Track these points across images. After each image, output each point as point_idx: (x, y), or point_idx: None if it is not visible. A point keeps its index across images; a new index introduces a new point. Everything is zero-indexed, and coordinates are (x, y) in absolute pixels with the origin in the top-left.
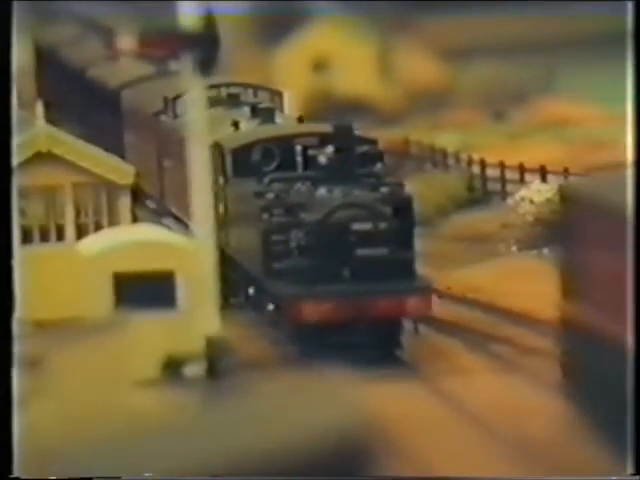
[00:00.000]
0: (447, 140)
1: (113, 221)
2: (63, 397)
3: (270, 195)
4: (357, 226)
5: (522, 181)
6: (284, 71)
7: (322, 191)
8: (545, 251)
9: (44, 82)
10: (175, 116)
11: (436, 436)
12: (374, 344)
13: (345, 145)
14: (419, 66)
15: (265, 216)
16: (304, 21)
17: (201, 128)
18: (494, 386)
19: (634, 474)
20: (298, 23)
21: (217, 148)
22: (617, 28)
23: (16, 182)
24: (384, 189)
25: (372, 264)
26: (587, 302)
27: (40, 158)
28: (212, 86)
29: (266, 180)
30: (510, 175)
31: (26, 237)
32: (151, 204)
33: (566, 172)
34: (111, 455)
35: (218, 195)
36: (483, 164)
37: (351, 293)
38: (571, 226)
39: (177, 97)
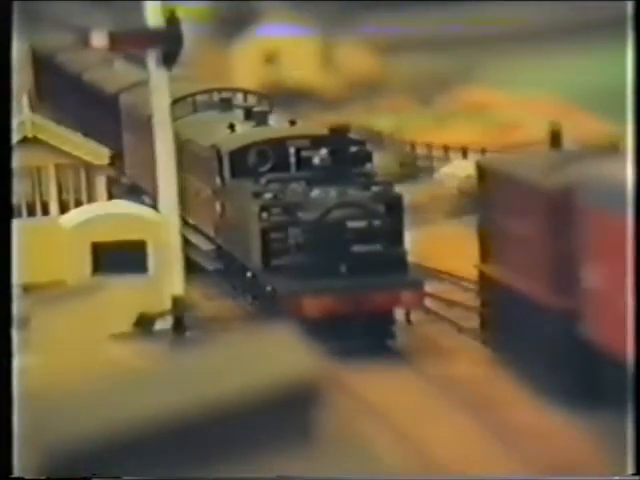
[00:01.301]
0: (382, 123)
1: (91, 198)
2: (48, 350)
3: (268, 195)
4: (352, 224)
5: (447, 159)
6: (239, 65)
7: (317, 191)
8: (467, 219)
9: (43, 84)
10: (174, 119)
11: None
12: (370, 335)
13: (338, 147)
14: (357, 59)
15: (264, 215)
16: (256, 20)
17: (165, 115)
18: (426, 332)
19: (634, 474)
20: (251, 22)
21: (214, 150)
22: (528, 27)
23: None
24: (375, 188)
25: (367, 260)
26: (502, 262)
27: (27, 142)
28: (204, 91)
29: (263, 180)
30: (436, 153)
31: (16, 212)
32: (147, 199)
33: (483, 151)
34: (91, 400)
35: (216, 194)
36: (413, 144)
37: (349, 288)
38: (488, 197)
39: (174, 102)
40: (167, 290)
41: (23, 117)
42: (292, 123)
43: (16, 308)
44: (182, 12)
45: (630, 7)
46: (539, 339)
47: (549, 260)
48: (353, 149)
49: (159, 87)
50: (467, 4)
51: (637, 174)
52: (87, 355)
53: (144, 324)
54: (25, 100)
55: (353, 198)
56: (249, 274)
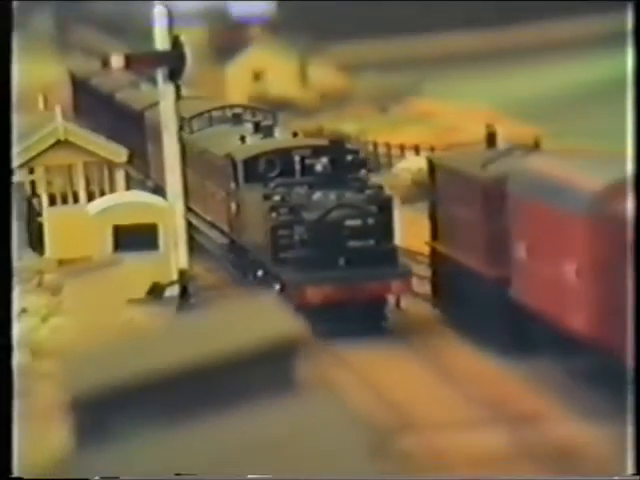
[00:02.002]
0: (349, 128)
1: (112, 189)
2: (77, 313)
3: (276, 197)
4: (349, 222)
5: (402, 156)
6: (232, 80)
7: (318, 194)
8: (420, 205)
9: (80, 103)
10: (191, 132)
11: None
12: (365, 318)
13: (337, 155)
14: (327, 76)
15: (273, 215)
16: (246, 45)
17: (172, 121)
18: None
19: (634, 474)
20: (242, 46)
21: (229, 159)
22: (466, 51)
23: (43, 162)
24: (369, 191)
25: (362, 254)
26: (448, 239)
27: (60, 145)
28: (218, 108)
29: (272, 185)
30: (394, 152)
31: (52, 201)
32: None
33: (432, 149)
34: (111, 351)
35: (231, 196)
36: (375, 144)
37: (346, 278)
38: (436, 186)
39: (192, 117)
40: (174, 264)
41: (56, 124)
42: (295, 134)
43: (50, 279)
44: (185, 37)
45: (630, 10)
46: (478, 302)
47: (485, 237)
48: (349, 157)
49: (166, 98)
50: (415, 34)
51: (637, 174)
52: (109, 316)
53: (155, 292)
54: (58, 110)
55: (350, 200)
56: (259, 270)
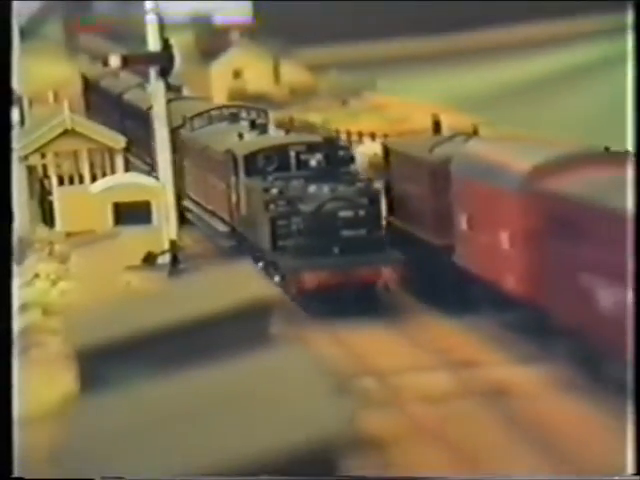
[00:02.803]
0: (315, 118)
1: (112, 171)
2: (80, 277)
3: (274, 190)
4: (342, 214)
5: (361, 141)
6: (215, 78)
7: (313, 187)
8: (376, 184)
9: (92, 103)
10: (192, 129)
11: None
12: (358, 300)
13: (330, 151)
14: (296, 75)
15: (272, 206)
16: (227, 48)
17: (162, 111)
18: None
19: (635, 474)
20: (224, 49)
21: (230, 154)
22: (414, 53)
23: (53, 148)
24: (359, 184)
25: (355, 242)
26: (401, 213)
27: (68, 134)
28: (217, 107)
29: (270, 179)
30: (353, 138)
31: (61, 182)
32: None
33: (386, 135)
34: (111, 310)
35: (231, 188)
36: (337, 131)
37: (340, 265)
38: (391, 168)
39: (193, 116)
40: (166, 236)
41: (64, 115)
42: (287, 132)
43: (60, 249)
44: (175, 41)
45: (630, 9)
46: (428, 267)
47: (432, 211)
48: (341, 153)
49: (157, 92)
50: (370, 40)
51: (637, 174)
52: (109, 281)
53: (149, 260)
54: (66, 103)
55: (343, 193)
56: (259, 255)
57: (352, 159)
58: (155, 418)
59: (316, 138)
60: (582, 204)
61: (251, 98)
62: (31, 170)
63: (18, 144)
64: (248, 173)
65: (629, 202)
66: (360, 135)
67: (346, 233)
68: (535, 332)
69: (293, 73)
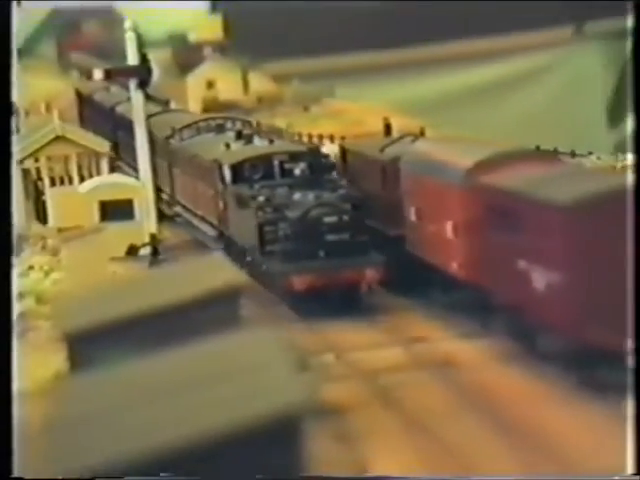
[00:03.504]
0: (280, 123)
1: (98, 172)
2: (69, 268)
3: (261, 198)
4: (327, 219)
5: (321, 143)
6: (190, 88)
7: (298, 194)
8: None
9: (86, 115)
10: (181, 139)
11: None
12: (343, 300)
13: (313, 160)
14: (263, 85)
15: (259, 213)
16: (201, 62)
17: (140, 118)
18: None
19: (635, 474)
20: (198, 63)
21: (217, 163)
22: (367, 65)
23: (45, 153)
24: (341, 190)
25: (339, 246)
26: None
27: (58, 140)
28: (205, 119)
29: (256, 186)
30: (314, 140)
31: (53, 183)
32: (165, 195)
33: (343, 138)
34: (97, 296)
35: (219, 195)
36: (300, 135)
37: (326, 267)
38: (347, 166)
39: (182, 127)
40: (147, 230)
41: (54, 123)
42: (271, 141)
43: (51, 243)
44: (151, 56)
45: (630, 8)
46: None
47: (385, 205)
48: (323, 161)
49: (137, 101)
50: (327, 53)
51: (637, 173)
52: (96, 271)
53: (132, 252)
54: (55, 113)
55: (327, 200)
56: (248, 258)
57: (333, 166)
58: (136, 393)
59: (299, 147)
60: (517, 196)
61: (223, 106)
62: (26, 173)
63: (14, 149)
64: (235, 181)
65: (559, 193)
66: (320, 137)
67: (331, 237)
68: (477, 310)
69: (260, 83)
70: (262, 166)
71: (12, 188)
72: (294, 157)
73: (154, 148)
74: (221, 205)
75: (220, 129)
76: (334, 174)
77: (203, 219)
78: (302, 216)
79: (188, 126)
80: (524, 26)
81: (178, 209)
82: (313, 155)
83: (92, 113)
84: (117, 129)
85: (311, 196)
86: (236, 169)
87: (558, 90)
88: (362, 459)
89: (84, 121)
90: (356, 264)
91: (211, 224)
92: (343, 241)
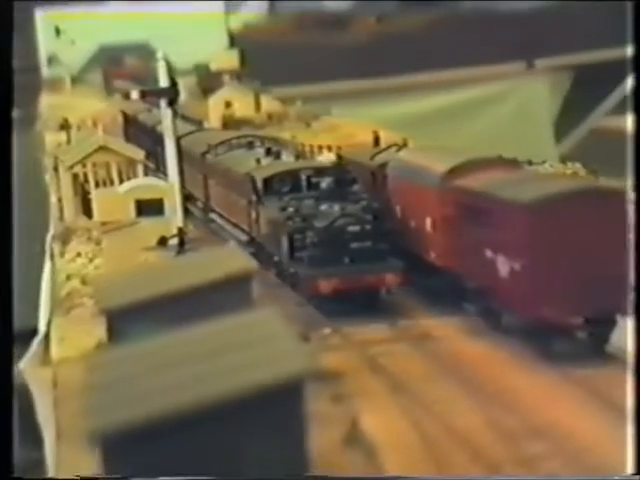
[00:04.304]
0: (286, 136)
1: (134, 176)
2: (109, 255)
3: (290, 209)
4: (351, 228)
5: (320, 152)
6: (211, 108)
7: (324, 206)
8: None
9: (131, 133)
10: (216, 155)
11: None
12: (364, 303)
13: (338, 175)
14: (272, 105)
15: (289, 223)
16: (221, 86)
17: (170, 132)
18: None
19: (634, 474)
20: (218, 87)
21: (250, 177)
22: (360, 89)
23: (91, 160)
24: (363, 202)
25: (362, 253)
26: None
27: (101, 149)
28: (237, 137)
29: (286, 199)
30: (315, 150)
31: (97, 185)
32: (199, 204)
33: (339, 148)
34: (132, 279)
35: (251, 206)
36: (303, 145)
37: (350, 272)
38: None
39: (218, 144)
40: (174, 224)
41: (98, 135)
42: (297, 157)
43: (95, 235)
44: (180, 81)
45: (630, 7)
46: None
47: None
48: (346, 176)
49: (166, 117)
50: (325, 80)
51: (637, 172)
52: (131, 257)
53: (162, 242)
54: (100, 127)
55: (351, 211)
56: (276, 259)
57: (355, 180)
58: (163, 362)
59: (323, 163)
60: (485, 196)
61: (239, 122)
62: (75, 177)
63: (66, 157)
64: (266, 193)
65: (520, 194)
66: (320, 148)
67: (354, 245)
68: (451, 292)
69: (269, 104)
70: (290, 180)
71: (11, 190)
72: (319, 172)
73: (191, 162)
74: (253, 214)
75: (250, 146)
76: (355, 187)
77: (236, 225)
78: (328, 225)
79: (222, 143)
80: (487, 60)
81: (213, 216)
82: (337, 170)
83: (136, 131)
84: (157, 144)
85: (336, 207)
86: (267, 182)
87: (514, 112)
88: (354, 415)
89: (129, 137)
90: (377, 270)
91: (243, 230)
92: (365, 248)
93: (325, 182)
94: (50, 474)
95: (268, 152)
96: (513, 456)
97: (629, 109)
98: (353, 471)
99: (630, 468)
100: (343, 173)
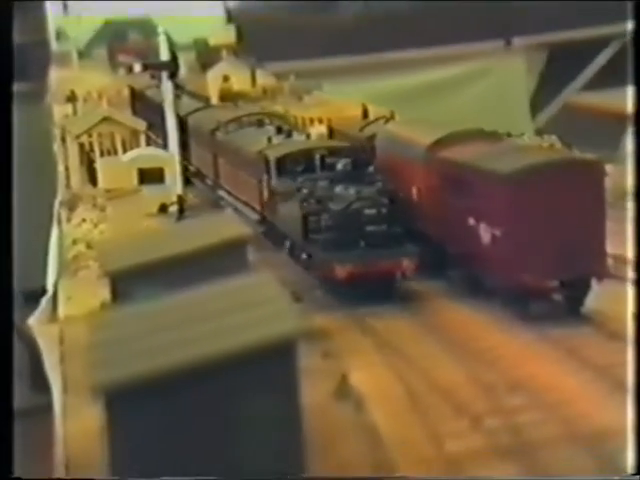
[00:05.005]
0: (279, 109)
1: (137, 146)
2: (113, 221)
3: (305, 191)
4: (367, 212)
5: (312, 125)
6: (210, 82)
7: (340, 188)
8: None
9: (138, 109)
10: (227, 132)
11: None
12: (380, 287)
13: (355, 156)
14: (267, 80)
15: (304, 205)
16: (219, 61)
17: (170, 104)
18: None
19: (634, 474)
20: (216, 62)
21: (263, 156)
22: (350, 66)
23: (96, 130)
24: (378, 184)
25: (377, 237)
26: None
27: (106, 120)
28: (248, 115)
29: (300, 179)
30: (308, 122)
31: (102, 154)
32: (208, 181)
33: (330, 120)
34: (134, 241)
35: (263, 185)
36: (296, 118)
37: (366, 257)
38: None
39: (228, 121)
40: (174, 192)
41: (103, 107)
42: (308, 136)
43: (99, 201)
44: (180, 56)
45: (630, 7)
46: None
47: None
48: (362, 157)
49: (167, 89)
50: (316, 57)
51: (637, 172)
52: (133, 223)
53: (163, 209)
54: (104, 100)
55: (367, 194)
56: (288, 243)
57: (370, 162)
58: (164, 321)
59: (339, 143)
60: (467, 167)
61: (235, 95)
62: (81, 146)
63: (72, 128)
64: (279, 173)
65: (500, 165)
66: (312, 120)
67: (370, 229)
68: (436, 258)
69: (264, 79)
70: (304, 160)
71: (12, 185)
72: (333, 152)
73: (200, 139)
74: (265, 194)
75: (260, 124)
76: (370, 169)
77: (246, 204)
78: (345, 208)
79: (232, 120)
80: (469, 39)
81: (222, 193)
82: (353, 151)
83: (144, 107)
84: (164, 120)
85: (352, 190)
86: (280, 162)
87: (494, 87)
88: (343, 370)
89: (137, 112)
90: (393, 255)
91: (253, 209)
92: (381, 232)
93: (341, 163)
94: (57, 420)
95: (279, 130)
96: (493, 408)
97: (630, 112)
98: (342, 421)
99: (630, 468)
100: (358, 154)
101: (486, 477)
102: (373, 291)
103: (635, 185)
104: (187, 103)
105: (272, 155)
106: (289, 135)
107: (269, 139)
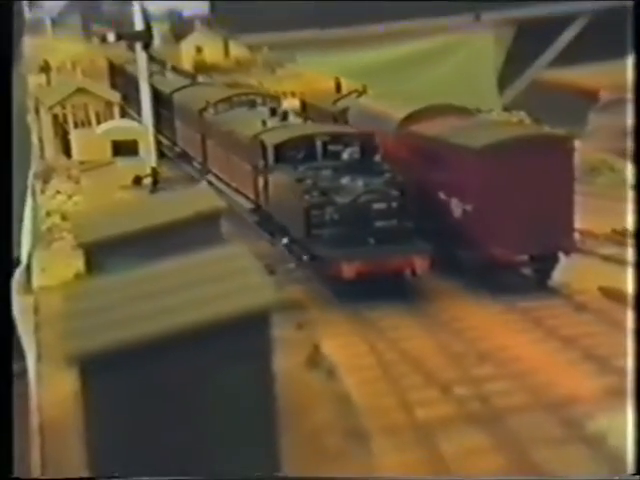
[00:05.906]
0: (252, 81)
1: (111, 117)
2: (87, 193)
3: (309, 181)
4: (376, 206)
5: (285, 97)
6: (184, 53)
7: (346, 179)
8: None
9: (119, 85)
10: (216, 113)
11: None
12: (390, 287)
13: (359, 143)
14: (240, 51)
15: (306, 197)
16: (192, 32)
17: (144, 74)
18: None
19: (634, 474)
20: (189, 33)
21: (259, 141)
22: (322, 40)
23: (70, 102)
24: (387, 175)
25: (387, 232)
26: None
27: (80, 91)
28: (238, 94)
29: (301, 169)
30: (282, 96)
31: (76, 125)
32: (195, 164)
33: (302, 94)
34: (109, 215)
35: (259, 172)
36: (268, 91)
37: (375, 254)
38: (307, 115)
39: (217, 101)
40: (148, 165)
41: (77, 78)
42: (305, 119)
43: (73, 173)
44: (154, 27)
45: (630, 7)
46: None
47: None
48: (368, 145)
49: (141, 60)
50: (289, 30)
51: (638, 167)
52: (108, 196)
53: (137, 181)
54: (78, 70)
55: (376, 186)
56: (286, 239)
57: (376, 149)
58: (137, 293)
59: (343, 129)
60: (438, 142)
61: (209, 67)
62: (55, 117)
63: (46, 99)
64: (277, 161)
65: (471, 140)
66: (284, 94)
67: (379, 224)
68: (411, 233)
69: (237, 50)
70: (304, 146)
71: (11, 184)
72: (336, 138)
73: (186, 118)
74: (261, 181)
75: (252, 104)
76: (377, 157)
77: (238, 191)
78: (352, 202)
79: (222, 100)
80: (438, 13)
81: (210, 177)
82: (358, 138)
83: (123, 81)
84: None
85: (360, 181)
86: (279, 149)
87: (463, 62)
88: (316, 341)
89: (116, 87)
90: (404, 252)
91: (247, 197)
92: (391, 227)
93: (347, 152)
94: (31, 387)
95: (273, 112)
96: (462, 377)
97: (631, 112)
98: (315, 389)
99: (630, 468)
100: (365, 141)
101: (486, 477)
102: (383, 289)
103: (635, 181)
104: (172, 79)
105: (270, 141)
106: (284, 118)
107: (263, 122)
